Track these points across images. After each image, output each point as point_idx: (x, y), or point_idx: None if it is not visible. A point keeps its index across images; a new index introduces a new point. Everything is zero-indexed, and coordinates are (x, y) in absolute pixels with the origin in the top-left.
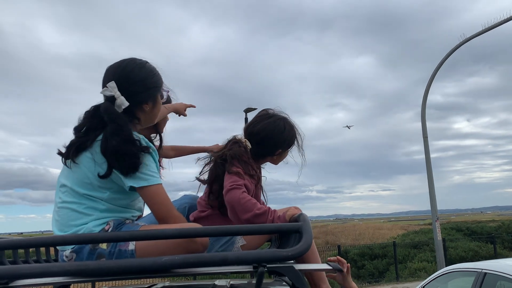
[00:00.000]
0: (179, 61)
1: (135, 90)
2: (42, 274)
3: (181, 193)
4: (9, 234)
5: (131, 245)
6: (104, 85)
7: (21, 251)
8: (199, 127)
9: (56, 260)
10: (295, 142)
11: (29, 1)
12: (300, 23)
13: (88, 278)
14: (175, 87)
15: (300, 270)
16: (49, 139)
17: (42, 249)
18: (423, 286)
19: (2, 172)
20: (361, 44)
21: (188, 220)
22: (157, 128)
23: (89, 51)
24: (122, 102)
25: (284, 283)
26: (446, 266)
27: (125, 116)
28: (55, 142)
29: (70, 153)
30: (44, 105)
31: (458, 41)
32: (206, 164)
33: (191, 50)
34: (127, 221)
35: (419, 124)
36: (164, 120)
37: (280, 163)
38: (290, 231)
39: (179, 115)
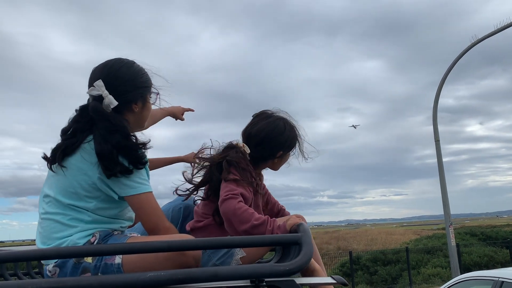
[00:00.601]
0: (190, 68)
1: (124, 89)
2: None
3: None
4: (23, 241)
5: (118, 259)
6: (91, 85)
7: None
8: (209, 133)
9: (42, 274)
10: (297, 143)
11: (40, 11)
12: (309, 28)
13: None
14: (186, 94)
15: (302, 284)
16: None
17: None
18: None
19: (15, 180)
20: (371, 48)
21: (185, 221)
22: None
23: (100, 59)
24: (111, 101)
25: None
26: (460, 272)
27: (120, 115)
28: None
29: (56, 157)
30: (55, 113)
31: (469, 43)
32: (199, 170)
33: (202, 57)
34: (115, 232)
35: (431, 128)
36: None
37: (282, 167)
38: (288, 243)
39: (176, 119)
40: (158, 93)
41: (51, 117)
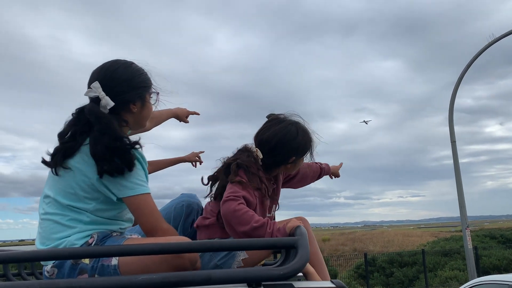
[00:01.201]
0: (204, 69)
1: (121, 90)
2: None
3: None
4: None
5: (114, 260)
6: (88, 87)
7: None
8: (224, 134)
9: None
10: (310, 148)
11: (60, 14)
12: (324, 29)
13: None
14: (201, 94)
15: None
16: None
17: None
18: None
19: (34, 180)
20: (387, 48)
21: (187, 218)
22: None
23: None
24: (107, 102)
25: None
26: (478, 275)
27: (112, 117)
28: None
29: (57, 161)
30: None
31: (487, 42)
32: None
33: (216, 58)
34: (114, 234)
35: (448, 128)
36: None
37: (295, 171)
38: (285, 247)
39: (180, 121)
40: (158, 93)
41: (68, 117)
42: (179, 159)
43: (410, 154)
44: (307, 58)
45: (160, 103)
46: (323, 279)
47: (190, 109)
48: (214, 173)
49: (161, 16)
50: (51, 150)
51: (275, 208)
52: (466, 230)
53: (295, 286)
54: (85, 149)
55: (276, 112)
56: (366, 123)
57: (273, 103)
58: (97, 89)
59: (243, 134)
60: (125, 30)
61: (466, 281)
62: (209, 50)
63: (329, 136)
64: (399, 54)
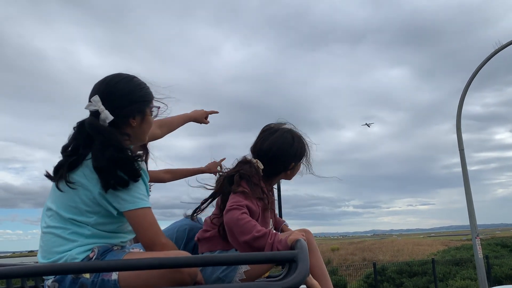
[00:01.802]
0: (212, 79)
1: (120, 104)
2: None
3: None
4: None
5: (114, 275)
6: (89, 101)
7: None
8: (232, 143)
9: None
10: (306, 152)
11: (70, 27)
12: (331, 38)
13: None
14: (209, 104)
15: None
16: None
17: None
18: None
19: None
20: (394, 56)
21: (189, 242)
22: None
23: (126, 71)
24: (106, 116)
25: None
26: (489, 285)
27: (113, 130)
28: None
29: (61, 175)
30: None
31: (493, 49)
32: (217, 183)
33: (224, 68)
34: (115, 248)
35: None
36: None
37: (294, 176)
38: (284, 261)
39: (200, 123)
40: (159, 107)
41: (72, 130)
42: (200, 169)
43: (419, 162)
44: (315, 67)
45: (165, 113)
46: None
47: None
48: (214, 187)
49: (169, 28)
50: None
51: (273, 221)
52: (476, 239)
53: None
54: (87, 163)
55: (282, 121)
56: (369, 126)
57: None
58: (97, 103)
59: (251, 143)
60: (134, 42)
61: None
62: (217, 60)
63: (337, 145)
64: (406, 62)
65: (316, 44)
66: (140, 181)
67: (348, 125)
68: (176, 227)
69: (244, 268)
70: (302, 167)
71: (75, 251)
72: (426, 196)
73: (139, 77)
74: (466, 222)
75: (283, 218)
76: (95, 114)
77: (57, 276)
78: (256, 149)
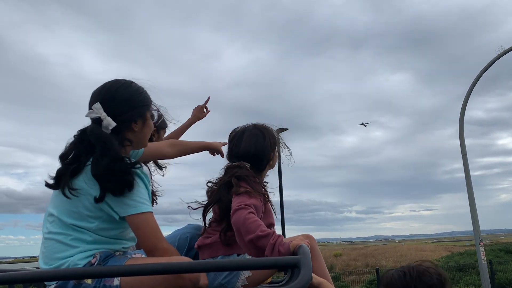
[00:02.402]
0: (214, 84)
1: (121, 110)
2: None
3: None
4: None
5: (116, 281)
6: (90, 108)
7: None
8: None
9: None
10: (276, 138)
11: (72, 32)
12: (333, 43)
13: None
14: (212, 109)
15: None
16: None
17: None
18: None
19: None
20: (396, 61)
21: (190, 251)
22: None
23: (129, 77)
24: (109, 122)
25: None
26: None
27: (114, 138)
28: None
29: (64, 182)
30: None
31: (496, 54)
32: (211, 191)
33: (226, 73)
34: (117, 253)
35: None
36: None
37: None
38: (287, 266)
39: (214, 155)
40: (158, 110)
41: (70, 139)
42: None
43: (421, 167)
44: (316, 72)
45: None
46: None
47: (200, 123)
48: (211, 196)
49: (172, 33)
50: (54, 173)
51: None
52: (480, 245)
53: None
54: (88, 169)
55: (284, 127)
56: (365, 126)
57: (282, 117)
58: (99, 110)
59: None
60: (136, 47)
61: None
62: (218, 65)
63: (339, 150)
64: (408, 67)
65: (317, 49)
66: (142, 186)
67: (350, 130)
68: (178, 235)
69: (246, 274)
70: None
71: (77, 257)
72: (428, 201)
73: (136, 82)
74: (469, 227)
75: (285, 224)
76: (97, 121)
77: (59, 282)
78: (233, 155)
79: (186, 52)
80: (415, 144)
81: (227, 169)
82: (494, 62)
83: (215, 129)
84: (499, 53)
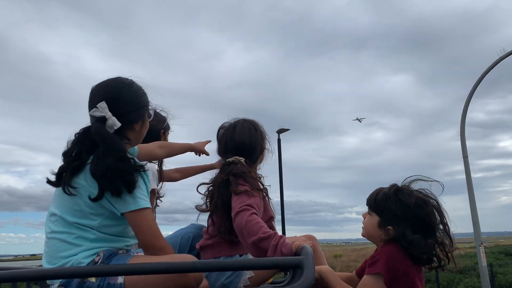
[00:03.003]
0: (215, 84)
1: (126, 110)
2: None
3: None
4: None
5: (120, 279)
6: (93, 105)
7: None
8: None
9: None
10: (264, 132)
11: (74, 31)
12: (334, 43)
13: None
14: (212, 109)
15: None
16: None
17: None
18: None
19: (47, 194)
20: (398, 62)
21: (192, 250)
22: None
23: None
24: (114, 122)
25: None
26: None
27: (117, 137)
28: None
29: (65, 179)
30: None
31: (497, 56)
32: (208, 192)
33: (227, 73)
34: (120, 251)
35: (460, 143)
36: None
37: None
38: (290, 266)
39: (200, 155)
40: (154, 110)
41: (70, 136)
42: (209, 166)
43: (422, 168)
44: (318, 73)
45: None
46: None
47: (202, 123)
48: (211, 197)
49: (173, 33)
50: (56, 170)
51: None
52: (480, 247)
53: None
54: (88, 168)
55: (285, 127)
56: (360, 121)
57: (283, 117)
58: (104, 109)
59: None
60: (137, 47)
61: None
62: (220, 65)
63: (341, 151)
64: (410, 68)
65: (319, 50)
66: (141, 182)
67: (351, 131)
68: (181, 234)
69: (248, 274)
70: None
71: (81, 256)
72: None
73: (136, 81)
74: (469, 230)
75: (286, 224)
76: (100, 120)
77: (63, 281)
78: (227, 149)
79: (187, 51)
80: (416, 146)
81: (223, 167)
82: (496, 64)
83: (216, 129)
84: (501, 55)
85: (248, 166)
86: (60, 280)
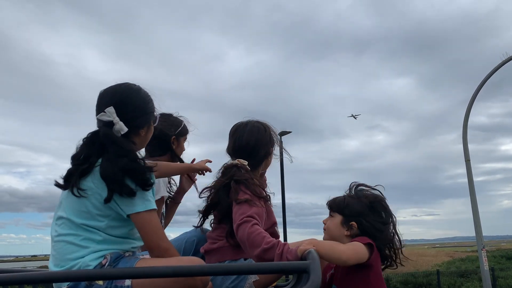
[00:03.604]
0: (217, 86)
1: (133, 116)
2: None
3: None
4: None
5: (128, 282)
6: (100, 110)
7: None
8: None
9: None
10: (277, 137)
11: (77, 33)
12: (336, 46)
13: None
14: (214, 111)
15: None
16: None
17: None
18: None
19: (48, 195)
20: (400, 65)
21: (196, 254)
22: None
23: (132, 78)
24: (121, 127)
25: None
26: None
27: (127, 140)
28: None
29: (73, 182)
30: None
31: (500, 60)
32: (210, 196)
33: (229, 75)
34: (126, 254)
35: (462, 146)
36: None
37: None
38: (296, 271)
39: (204, 174)
40: (158, 116)
41: (83, 133)
42: (191, 167)
43: (423, 172)
44: (320, 75)
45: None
46: None
47: (203, 125)
48: (211, 198)
49: (175, 35)
50: (64, 174)
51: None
52: (482, 251)
53: None
54: (97, 170)
55: (287, 130)
56: (355, 118)
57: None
58: (112, 114)
59: None
60: (140, 48)
61: None
62: (221, 67)
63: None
64: (412, 72)
65: (321, 52)
66: None
67: (353, 134)
68: (185, 238)
69: (253, 278)
70: (276, 151)
71: (88, 258)
72: (431, 206)
73: (142, 87)
74: (471, 233)
75: (287, 226)
76: (107, 124)
77: (70, 284)
78: (235, 148)
79: (190, 53)
80: (417, 149)
81: (225, 170)
82: (499, 68)
83: (218, 130)
84: (504, 59)
85: (251, 174)
86: (68, 282)
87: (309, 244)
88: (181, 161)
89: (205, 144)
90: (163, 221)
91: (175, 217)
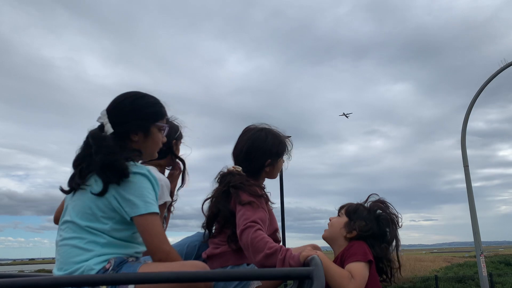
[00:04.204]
0: (217, 90)
1: (123, 120)
2: None
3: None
4: (53, 258)
5: (131, 287)
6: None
7: None
8: None
9: None
10: (286, 149)
11: (77, 37)
12: (335, 52)
13: None
14: (214, 116)
15: None
16: None
17: None
18: None
19: (47, 198)
20: (398, 71)
21: (198, 259)
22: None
23: (132, 82)
24: (108, 128)
25: None
26: None
27: (115, 142)
28: None
29: (74, 181)
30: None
31: (498, 67)
32: (210, 204)
33: (229, 80)
34: (130, 259)
35: (460, 152)
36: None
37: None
38: (299, 277)
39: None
40: (168, 127)
41: (83, 137)
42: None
43: (422, 177)
44: (318, 80)
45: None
46: None
47: (203, 129)
48: (210, 209)
49: (175, 39)
50: (67, 180)
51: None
52: (481, 257)
53: None
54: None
55: (286, 134)
56: (347, 117)
57: (284, 124)
58: (103, 116)
59: None
60: (140, 53)
61: None
62: (221, 72)
63: (340, 158)
64: (410, 77)
65: (320, 58)
66: (149, 186)
67: (351, 139)
68: (187, 242)
69: (256, 283)
70: (285, 163)
71: (92, 262)
72: (429, 211)
73: (152, 96)
74: (469, 238)
75: (286, 231)
76: (100, 127)
77: None
78: (233, 153)
79: (189, 58)
80: (415, 154)
81: (221, 177)
82: (497, 74)
83: (217, 135)
84: (502, 65)
85: (246, 177)
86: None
87: (311, 250)
88: (183, 162)
89: (205, 149)
90: (165, 225)
91: (173, 221)
